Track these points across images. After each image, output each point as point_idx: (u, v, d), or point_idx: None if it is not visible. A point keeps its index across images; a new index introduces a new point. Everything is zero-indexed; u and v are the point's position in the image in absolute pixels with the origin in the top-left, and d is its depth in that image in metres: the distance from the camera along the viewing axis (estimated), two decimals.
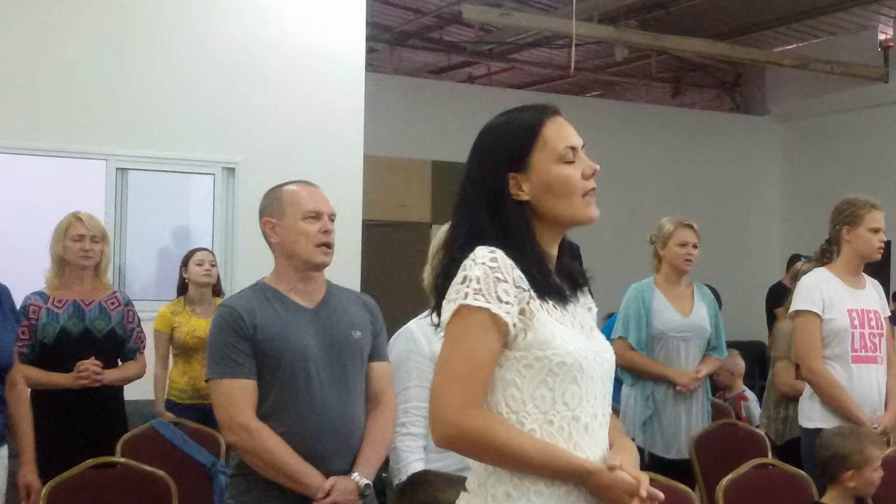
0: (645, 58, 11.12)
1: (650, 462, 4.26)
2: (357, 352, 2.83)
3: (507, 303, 1.74)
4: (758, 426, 5.10)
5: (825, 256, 4.25)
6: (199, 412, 4.62)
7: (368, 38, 7.20)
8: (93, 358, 4.01)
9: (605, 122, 10.23)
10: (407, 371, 2.93)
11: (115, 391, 4.20)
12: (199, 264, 5.06)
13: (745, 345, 7.61)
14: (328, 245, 2.79)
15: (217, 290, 5.16)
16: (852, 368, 3.96)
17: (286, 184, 2.87)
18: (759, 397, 5.64)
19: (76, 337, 4.04)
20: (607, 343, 1.93)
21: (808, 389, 4.10)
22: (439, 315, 1.81)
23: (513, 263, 1.77)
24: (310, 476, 2.66)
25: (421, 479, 2.50)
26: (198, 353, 4.80)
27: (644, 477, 1.78)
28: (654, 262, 4.62)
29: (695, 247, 4.52)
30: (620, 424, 4.02)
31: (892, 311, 4.40)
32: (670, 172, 10.93)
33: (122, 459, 3.58)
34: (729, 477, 3.54)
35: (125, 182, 6.17)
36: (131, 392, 4.41)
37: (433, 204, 10.00)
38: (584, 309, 1.92)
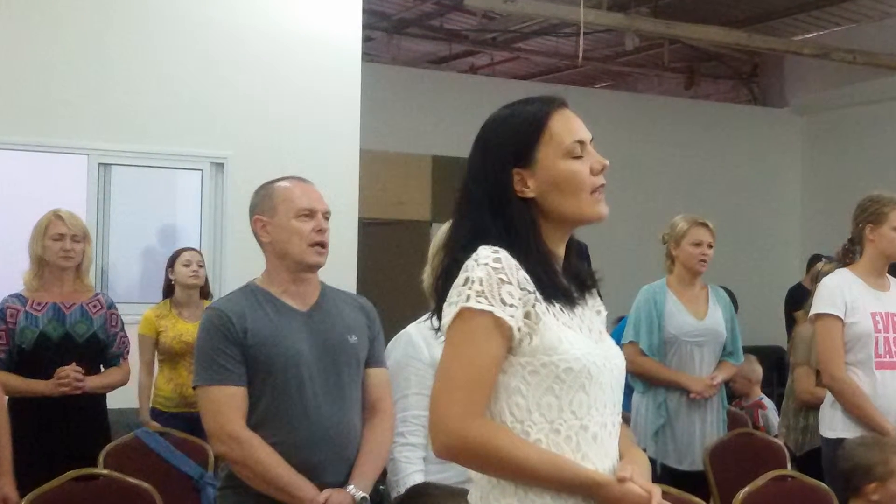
0: (657, 47, 11.11)
1: (662, 474, 4.26)
2: (353, 357, 2.83)
3: (511, 306, 1.74)
4: (776, 436, 5.10)
5: (847, 256, 4.25)
6: (186, 421, 4.63)
7: (365, 26, 7.21)
8: (74, 364, 4.02)
9: (614, 114, 10.22)
10: (406, 378, 2.93)
11: (98, 399, 4.21)
12: (186, 265, 5.07)
13: (762, 350, 7.62)
14: (322, 245, 2.80)
15: (205, 293, 5.17)
16: (876, 375, 3.96)
17: (278, 180, 2.88)
18: (778, 405, 5.64)
19: (56, 342, 4.05)
20: (617, 348, 1.93)
21: (829, 397, 4.09)
22: (440, 318, 1.81)
23: (517, 264, 1.77)
24: (303, 489, 2.67)
25: (420, 492, 2.51)
26: (185, 358, 4.81)
27: (656, 489, 1.78)
28: (666, 262, 4.63)
29: (710, 246, 4.52)
30: (631, 434, 4.04)
31: None
32: (684, 168, 10.92)
33: (105, 471, 3.57)
34: (745, 490, 3.53)
35: (108, 178, 6.17)
36: (114, 400, 4.42)
37: (433, 201, 10.00)
38: (593, 312, 1.92)
